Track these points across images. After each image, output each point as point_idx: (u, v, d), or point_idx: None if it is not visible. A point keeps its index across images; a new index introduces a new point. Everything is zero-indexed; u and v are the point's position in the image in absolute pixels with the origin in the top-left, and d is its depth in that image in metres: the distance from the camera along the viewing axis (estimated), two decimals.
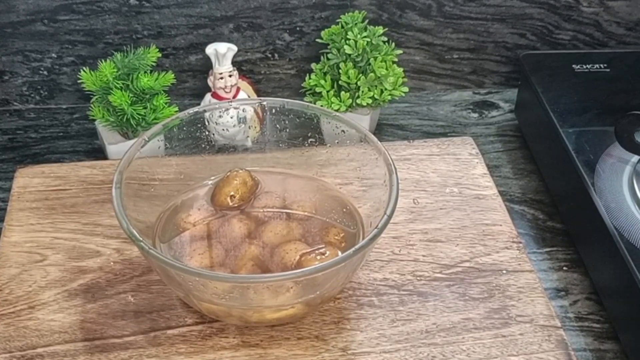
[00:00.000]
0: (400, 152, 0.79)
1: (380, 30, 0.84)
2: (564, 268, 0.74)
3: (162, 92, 0.80)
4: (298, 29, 0.90)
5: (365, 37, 0.82)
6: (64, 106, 0.93)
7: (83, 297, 0.65)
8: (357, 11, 0.85)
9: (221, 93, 0.82)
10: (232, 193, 0.65)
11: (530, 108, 0.87)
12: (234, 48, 0.81)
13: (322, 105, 0.82)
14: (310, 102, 0.83)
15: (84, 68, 0.79)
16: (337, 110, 0.81)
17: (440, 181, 0.77)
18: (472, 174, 0.78)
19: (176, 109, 0.80)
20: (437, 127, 0.92)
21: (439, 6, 0.91)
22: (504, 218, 0.73)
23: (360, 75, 0.83)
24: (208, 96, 0.84)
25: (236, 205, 0.65)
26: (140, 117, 0.78)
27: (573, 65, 0.87)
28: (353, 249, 0.54)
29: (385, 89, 0.83)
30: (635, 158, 0.74)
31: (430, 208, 0.74)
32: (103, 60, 0.79)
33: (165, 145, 0.65)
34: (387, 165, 0.61)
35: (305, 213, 0.65)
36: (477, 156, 0.80)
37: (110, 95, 0.77)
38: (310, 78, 0.85)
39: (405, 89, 0.84)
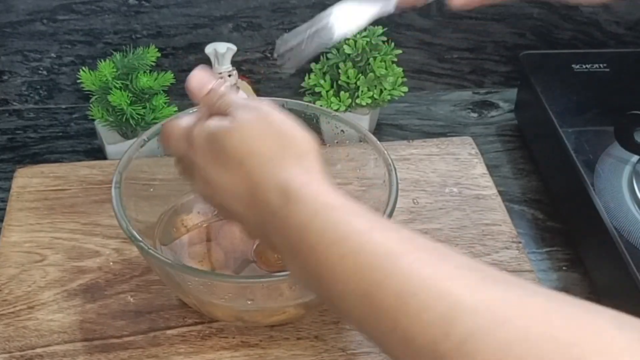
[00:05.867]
0: (399, 152, 0.79)
1: (379, 30, 0.84)
2: (564, 268, 0.74)
3: (162, 91, 0.80)
4: None
5: (364, 36, 0.82)
6: (64, 106, 0.92)
7: (82, 297, 0.65)
8: None
9: None
10: None
11: (529, 108, 0.87)
12: (234, 48, 0.81)
13: (321, 105, 0.82)
14: (310, 102, 0.83)
15: (84, 68, 0.79)
16: (336, 110, 0.81)
17: (440, 181, 0.77)
18: (472, 174, 0.78)
19: (175, 108, 0.80)
20: (436, 127, 0.92)
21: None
22: (503, 218, 0.73)
23: (360, 75, 0.83)
24: None
25: None
26: (139, 117, 0.78)
27: (573, 65, 0.87)
28: None
29: (385, 89, 0.83)
30: (634, 158, 0.74)
31: (430, 208, 0.74)
32: (102, 60, 0.78)
33: None
34: (386, 165, 0.61)
35: None
36: (476, 156, 0.80)
37: (110, 95, 0.77)
38: (309, 78, 0.85)
39: (405, 89, 0.84)
